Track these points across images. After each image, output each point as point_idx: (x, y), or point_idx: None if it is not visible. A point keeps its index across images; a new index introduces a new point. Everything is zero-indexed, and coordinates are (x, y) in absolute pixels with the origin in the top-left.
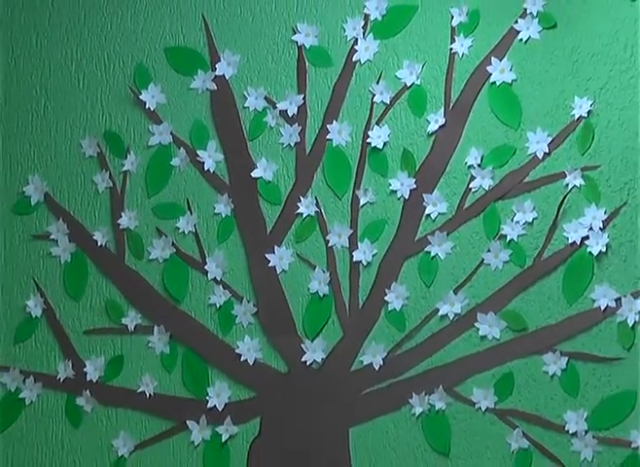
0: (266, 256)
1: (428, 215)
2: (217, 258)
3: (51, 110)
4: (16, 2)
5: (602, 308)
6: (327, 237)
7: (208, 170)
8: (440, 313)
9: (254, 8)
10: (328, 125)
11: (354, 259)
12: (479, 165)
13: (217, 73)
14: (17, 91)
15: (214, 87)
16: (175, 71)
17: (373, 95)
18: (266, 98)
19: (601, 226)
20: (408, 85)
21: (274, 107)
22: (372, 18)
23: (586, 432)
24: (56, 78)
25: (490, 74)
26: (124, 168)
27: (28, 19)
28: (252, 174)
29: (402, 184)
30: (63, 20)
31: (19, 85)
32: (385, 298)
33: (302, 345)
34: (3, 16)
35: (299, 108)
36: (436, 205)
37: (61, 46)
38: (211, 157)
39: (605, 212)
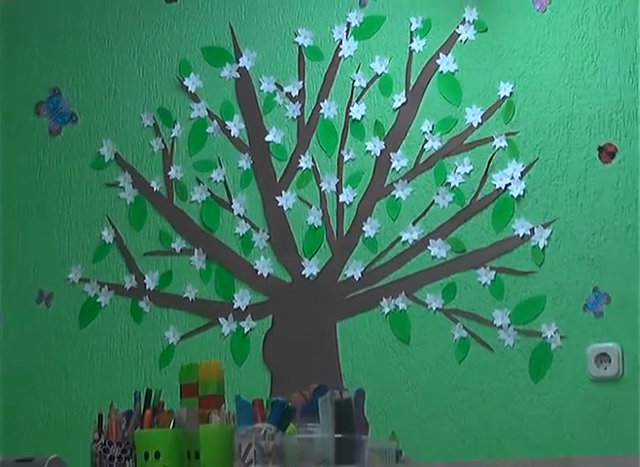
0: (276, 198)
1: (394, 168)
2: (240, 200)
3: (119, 92)
4: (92, 15)
5: (520, 236)
6: (320, 184)
7: (234, 136)
8: (402, 240)
9: (267, 17)
10: (321, 103)
11: (340, 200)
12: (430, 132)
13: (240, 65)
14: (94, 79)
15: (238, 75)
16: (209, 64)
17: (354, 81)
18: (275, 84)
19: (519, 175)
20: (379, 73)
21: (282, 90)
22: (352, 25)
23: (509, 325)
24: (122, 69)
25: (439, 65)
26: (173, 135)
27: (102, 27)
28: (266, 139)
29: (374, 146)
30: (127, 27)
31: (95, 74)
32: (363, 228)
33: (302, 263)
34: (84, 24)
35: (299, 91)
36: (399, 161)
37: (126, 46)
38: (236, 126)
39: (522, 166)
